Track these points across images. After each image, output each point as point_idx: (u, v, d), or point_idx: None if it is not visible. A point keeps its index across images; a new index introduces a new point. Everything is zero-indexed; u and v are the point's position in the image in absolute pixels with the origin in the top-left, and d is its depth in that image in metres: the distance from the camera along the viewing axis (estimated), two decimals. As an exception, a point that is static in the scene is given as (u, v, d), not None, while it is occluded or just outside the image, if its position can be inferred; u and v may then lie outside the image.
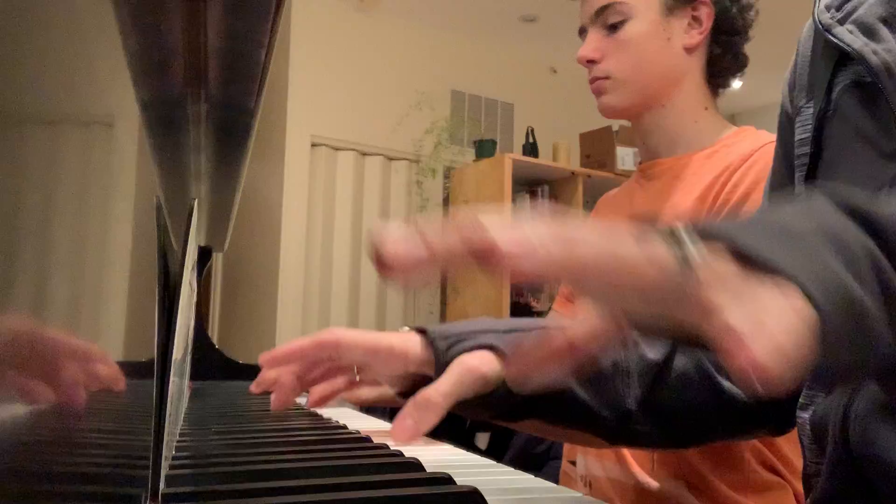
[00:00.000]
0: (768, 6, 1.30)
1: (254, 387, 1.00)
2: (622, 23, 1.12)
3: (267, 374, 0.94)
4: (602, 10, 1.13)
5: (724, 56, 1.14)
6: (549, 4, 4.08)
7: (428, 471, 0.51)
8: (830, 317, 0.27)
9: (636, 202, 1.19)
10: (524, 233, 0.31)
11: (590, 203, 4.27)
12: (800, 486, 0.72)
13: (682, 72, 1.14)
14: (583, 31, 1.18)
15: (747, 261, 0.28)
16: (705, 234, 0.30)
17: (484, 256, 0.31)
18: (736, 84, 1.20)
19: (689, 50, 1.13)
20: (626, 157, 4.06)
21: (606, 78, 1.14)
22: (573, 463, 1.16)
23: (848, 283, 0.29)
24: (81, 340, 0.30)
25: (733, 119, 3.37)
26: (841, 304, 0.28)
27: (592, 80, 1.16)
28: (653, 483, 1.00)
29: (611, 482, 1.05)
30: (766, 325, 0.26)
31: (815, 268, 0.28)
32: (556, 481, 0.82)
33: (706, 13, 1.12)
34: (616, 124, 4.19)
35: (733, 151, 1.08)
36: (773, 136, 0.80)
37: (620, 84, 1.14)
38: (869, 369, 0.32)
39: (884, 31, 0.62)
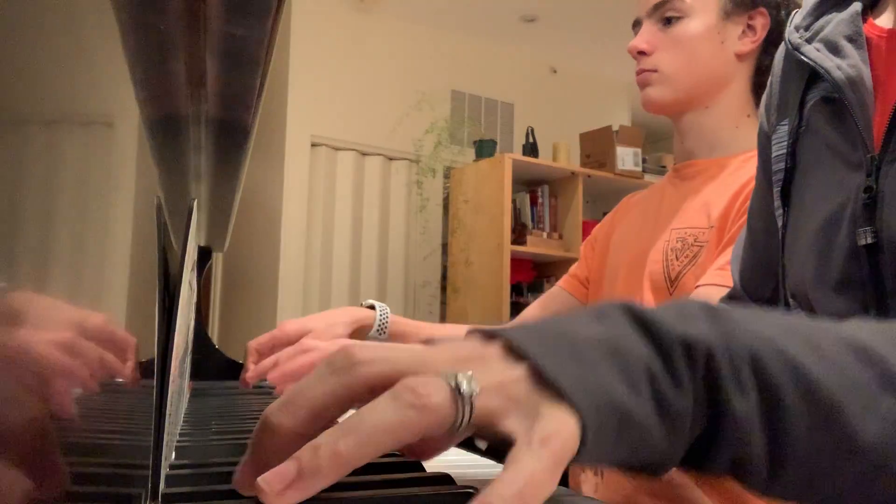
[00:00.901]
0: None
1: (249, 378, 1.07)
2: (678, 19, 1.14)
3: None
4: (661, 5, 1.15)
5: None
6: (549, 4, 4.08)
7: (428, 471, 0.51)
8: (593, 422, 0.34)
9: (666, 201, 1.20)
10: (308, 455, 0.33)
11: (590, 203, 4.27)
12: None
13: (730, 77, 1.15)
14: (637, 24, 1.20)
15: (540, 378, 0.35)
16: (518, 354, 0.36)
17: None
18: None
19: (740, 57, 1.14)
20: (626, 157, 4.06)
21: (654, 71, 1.16)
22: None
23: (615, 391, 0.35)
24: (83, 339, 0.30)
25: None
26: (605, 411, 0.35)
27: (639, 72, 1.17)
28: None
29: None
30: (544, 433, 0.33)
31: (588, 381, 0.35)
32: (562, 479, 0.81)
33: (762, 23, 1.13)
34: (616, 124, 4.19)
35: None
36: None
37: (667, 79, 1.15)
38: (640, 459, 0.38)
39: (848, 48, 0.64)
